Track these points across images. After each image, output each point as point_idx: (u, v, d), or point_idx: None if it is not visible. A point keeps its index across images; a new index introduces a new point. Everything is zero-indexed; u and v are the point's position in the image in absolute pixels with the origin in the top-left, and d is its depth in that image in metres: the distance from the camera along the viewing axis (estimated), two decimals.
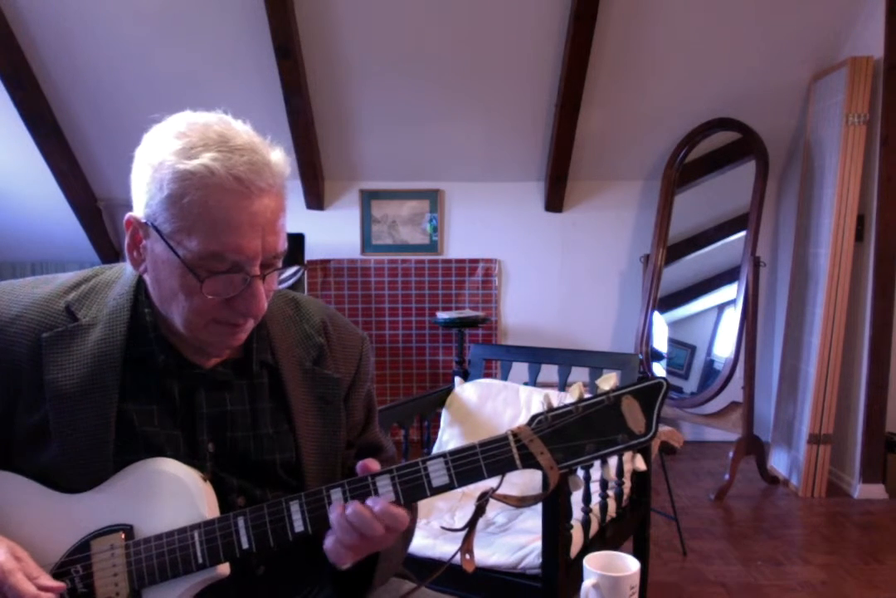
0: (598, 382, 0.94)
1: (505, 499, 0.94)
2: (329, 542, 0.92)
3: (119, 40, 3.31)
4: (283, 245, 0.94)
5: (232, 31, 3.29)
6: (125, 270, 1.04)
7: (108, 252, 4.16)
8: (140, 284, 1.01)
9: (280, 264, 0.97)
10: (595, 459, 0.93)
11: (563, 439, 0.92)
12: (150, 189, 0.91)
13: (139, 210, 0.94)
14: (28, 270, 4.04)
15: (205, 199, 0.88)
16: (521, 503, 0.97)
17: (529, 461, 0.92)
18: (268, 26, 3.16)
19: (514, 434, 0.92)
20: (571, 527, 1.80)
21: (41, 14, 3.18)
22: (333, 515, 0.91)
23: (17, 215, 3.99)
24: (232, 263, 0.90)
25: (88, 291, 1.02)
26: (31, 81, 3.41)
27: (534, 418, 0.94)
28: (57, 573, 0.92)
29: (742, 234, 3.58)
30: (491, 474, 0.93)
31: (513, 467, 0.92)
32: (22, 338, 0.96)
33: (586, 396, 0.94)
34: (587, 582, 1.08)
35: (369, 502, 0.91)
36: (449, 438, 2.39)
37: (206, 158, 0.89)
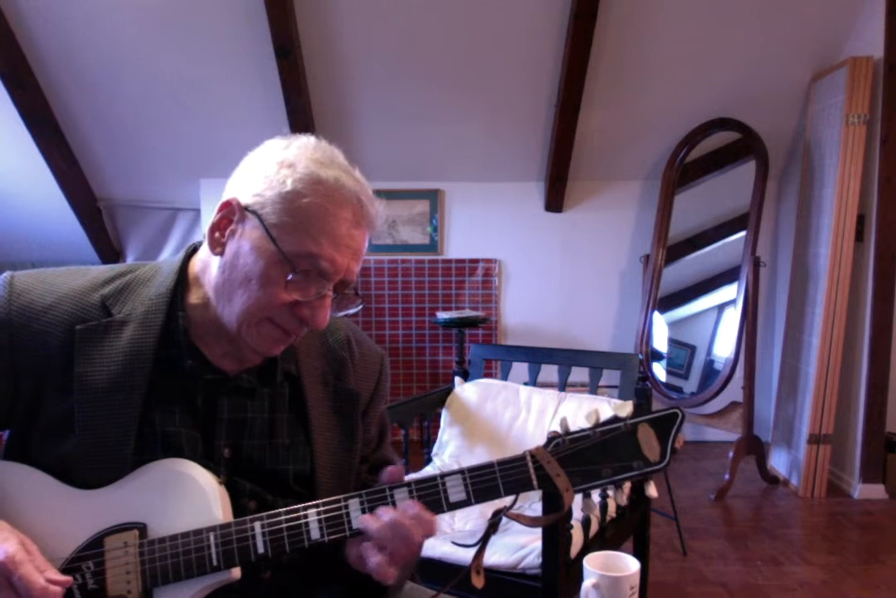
0: (615, 408, 0.95)
1: (518, 518, 0.96)
2: (373, 561, 0.91)
3: (119, 40, 3.32)
4: (356, 278, 0.99)
5: (232, 31, 3.29)
6: (161, 270, 1.04)
7: (108, 252, 4.17)
8: (178, 287, 1.01)
9: (346, 293, 1.01)
10: (611, 483, 0.94)
11: (580, 463, 0.93)
12: (271, 182, 0.94)
13: (245, 197, 0.95)
14: (28, 270, 4.05)
15: (325, 206, 0.93)
16: (534, 523, 0.98)
17: (546, 482, 0.93)
18: (268, 26, 3.16)
19: (532, 455, 0.94)
20: (571, 527, 1.80)
21: (41, 14, 3.19)
22: (373, 527, 0.91)
23: (17, 215, 3.99)
24: (319, 270, 0.94)
25: (123, 286, 1.02)
26: (31, 81, 3.41)
27: (551, 440, 0.95)
28: (67, 569, 0.92)
29: (742, 234, 3.58)
30: (507, 493, 0.94)
31: (529, 488, 0.93)
32: (55, 328, 0.97)
33: (602, 420, 0.95)
34: (587, 582, 1.08)
35: (402, 506, 0.92)
36: (449, 438, 2.39)
37: (341, 175, 0.95)
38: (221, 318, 0.97)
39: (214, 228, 0.97)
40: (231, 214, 0.96)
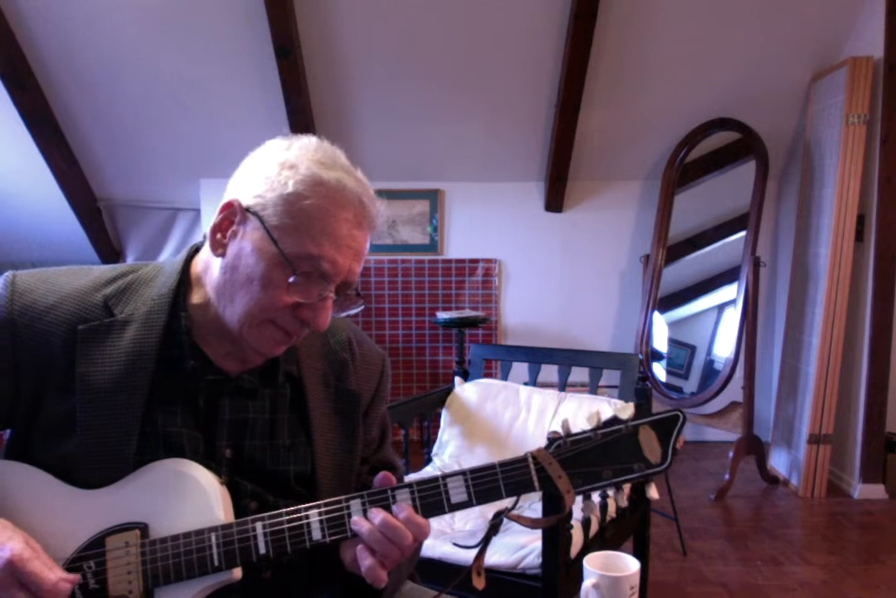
0: (616, 410, 0.95)
1: (519, 520, 0.96)
2: (365, 564, 0.91)
3: (119, 40, 3.32)
4: (358, 279, 0.99)
5: (232, 31, 3.29)
6: (163, 270, 1.04)
7: (108, 252, 4.16)
8: (180, 287, 1.01)
9: (348, 294, 1.00)
10: (612, 485, 0.94)
11: (581, 465, 0.94)
12: (272, 183, 0.94)
13: (247, 198, 0.95)
14: (29, 269, 4.05)
15: (326, 207, 0.93)
16: (535, 524, 0.99)
17: (547, 484, 0.93)
18: (268, 26, 3.16)
19: (534, 457, 0.94)
20: (571, 527, 1.80)
21: (41, 14, 3.19)
22: (365, 529, 0.91)
23: (17, 215, 3.99)
24: (321, 272, 0.93)
25: (126, 286, 1.02)
26: (31, 81, 3.41)
27: (552, 441, 0.95)
28: (69, 569, 0.92)
29: (742, 234, 3.58)
30: (509, 495, 0.94)
31: (531, 489, 0.93)
32: (57, 328, 0.97)
33: (603, 422, 0.95)
34: (587, 582, 1.08)
35: (394, 509, 0.92)
36: (449, 438, 2.39)
37: (343, 176, 0.95)
38: (223, 318, 0.97)
39: (216, 229, 0.97)
40: (232, 215, 0.96)
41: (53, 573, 0.86)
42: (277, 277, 0.93)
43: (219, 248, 0.97)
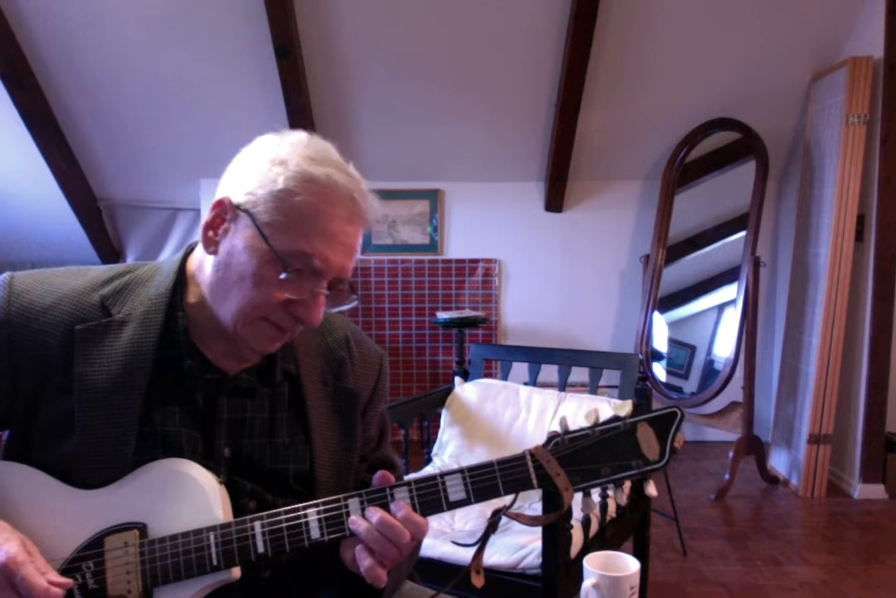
0: (614, 408, 0.95)
1: (518, 517, 0.96)
2: (365, 564, 0.91)
3: (119, 40, 3.32)
4: (350, 274, 0.99)
5: (232, 31, 3.29)
6: (160, 270, 1.04)
7: (108, 252, 4.17)
8: (177, 287, 1.01)
9: (340, 289, 1.00)
10: (610, 482, 0.94)
11: (580, 462, 0.94)
12: (262, 180, 0.93)
13: (237, 195, 0.95)
14: (28, 270, 4.05)
15: (317, 204, 0.92)
16: (534, 522, 0.99)
17: (545, 481, 0.93)
18: (268, 26, 3.16)
19: (532, 454, 0.94)
20: (571, 527, 1.80)
21: (41, 14, 3.19)
22: (362, 528, 0.91)
23: (17, 215, 3.99)
24: (312, 269, 0.93)
25: (123, 286, 1.02)
26: (31, 81, 3.41)
27: (550, 439, 0.95)
28: (68, 569, 0.92)
29: (742, 234, 3.58)
30: (507, 492, 0.94)
31: (529, 487, 0.93)
32: (54, 328, 0.97)
33: (602, 420, 0.95)
34: (587, 582, 1.08)
35: (392, 508, 0.92)
36: (449, 438, 2.39)
37: (333, 172, 0.94)
38: (217, 317, 0.97)
39: (208, 226, 0.97)
40: (224, 212, 0.96)
41: (45, 579, 0.86)
42: (269, 275, 0.93)
43: (211, 246, 0.97)
